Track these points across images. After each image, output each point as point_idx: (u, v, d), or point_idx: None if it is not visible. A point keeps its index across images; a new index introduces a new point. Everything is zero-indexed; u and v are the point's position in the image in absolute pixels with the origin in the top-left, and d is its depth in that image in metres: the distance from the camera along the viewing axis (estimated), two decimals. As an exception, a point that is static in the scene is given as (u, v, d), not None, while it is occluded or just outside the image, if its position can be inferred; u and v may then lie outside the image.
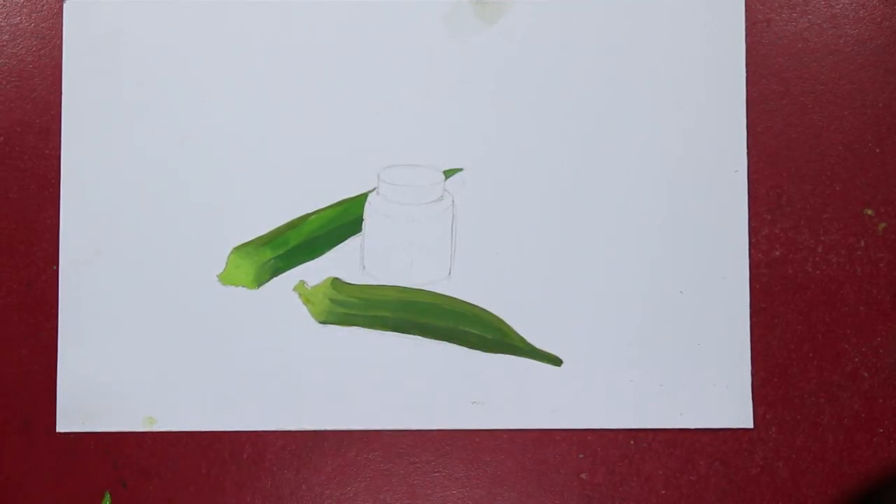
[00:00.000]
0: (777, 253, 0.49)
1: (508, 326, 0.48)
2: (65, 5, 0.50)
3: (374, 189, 0.49)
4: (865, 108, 0.49)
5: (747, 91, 0.49)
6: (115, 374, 0.48)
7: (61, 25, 0.50)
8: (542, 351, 0.48)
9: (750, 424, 0.48)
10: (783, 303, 0.48)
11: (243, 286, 0.48)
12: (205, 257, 0.49)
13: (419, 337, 0.48)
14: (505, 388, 0.48)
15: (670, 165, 0.49)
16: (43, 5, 0.50)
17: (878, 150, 0.49)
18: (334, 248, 0.49)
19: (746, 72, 0.49)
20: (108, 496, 0.48)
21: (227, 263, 0.49)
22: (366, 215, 0.49)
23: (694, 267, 0.48)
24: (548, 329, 0.48)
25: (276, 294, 0.48)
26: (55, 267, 0.49)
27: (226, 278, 0.48)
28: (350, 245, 0.49)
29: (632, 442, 0.48)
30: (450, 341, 0.48)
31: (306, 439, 0.48)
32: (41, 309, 0.49)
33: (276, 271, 0.48)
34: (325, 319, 0.48)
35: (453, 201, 0.49)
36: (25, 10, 0.50)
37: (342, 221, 0.49)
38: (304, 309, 0.48)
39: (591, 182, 0.49)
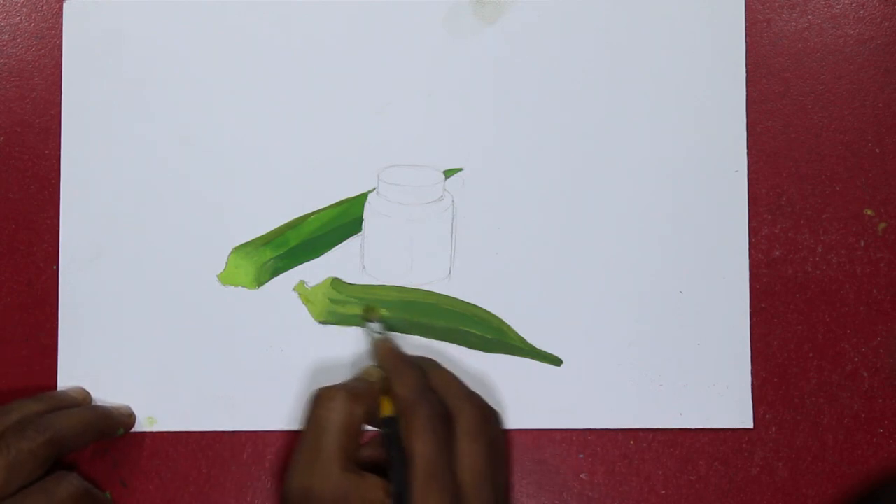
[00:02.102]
0: (777, 253, 0.49)
1: (508, 326, 0.48)
2: (65, 5, 0.50)
3: (374, 189, 0.49)
4: (865, 108, 0.49)
5: (747, 91, 0.49)
6: (115, 374, 0.48)
7: (61, 25, 0.50)
8: (542, 351, 0.48)
9: (750, 424, 0.48)
10: (783, 303, 0.48)
11: (243, 286, 0.48)
12: (205, 257, 0.49)
13: (419, 337, 0.48)
14: (505, 388, 0.48)
15: (670, 165, 0.49)
16: (43, 5, 0.50)
17: (877, 150, 0.49)
18: (334, 248, 0.49)
19: (746, 72, 0.49)
20: (108, 496, 0.48)
21: (227, 263, 0.49)
22: (366, 215, 0.49)
23: (694, 267, 0.48)
24: (548, 329, 0.48)
25: (276, 294, 0.48)
26: (55, 267, 0.49)
27: (226, 278, 0.48)
28: (350, 245, 0.49)
29: (632, 442, 0.48)
30: (450, 341, 0.48)
31: (306, 439, 0.48)
32: (41, 309, 0.49)
33: (276, 271, 0.48)
34: (325, 319, 0.48)
35: (453, 201, 0.49)
36: (25, 10, 0.50)
37: (342, 221, 0.49)
38: (304, 309, 0.48)
39: (590, 182, 0.49)
